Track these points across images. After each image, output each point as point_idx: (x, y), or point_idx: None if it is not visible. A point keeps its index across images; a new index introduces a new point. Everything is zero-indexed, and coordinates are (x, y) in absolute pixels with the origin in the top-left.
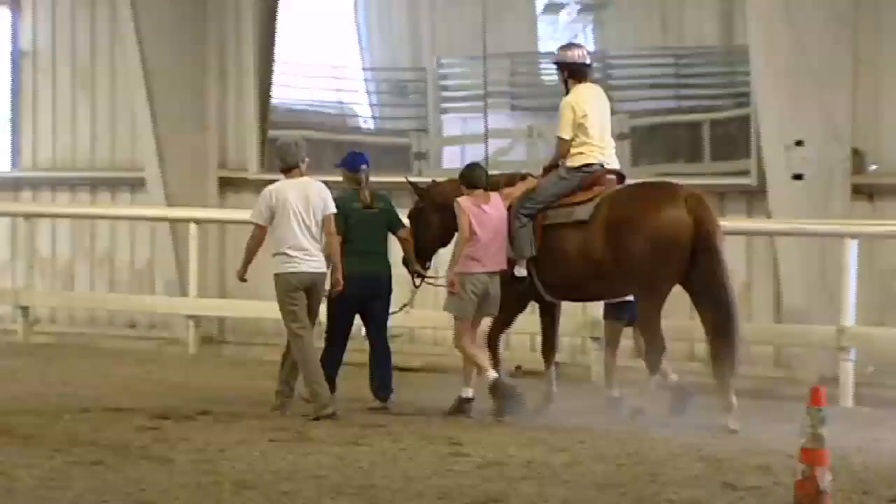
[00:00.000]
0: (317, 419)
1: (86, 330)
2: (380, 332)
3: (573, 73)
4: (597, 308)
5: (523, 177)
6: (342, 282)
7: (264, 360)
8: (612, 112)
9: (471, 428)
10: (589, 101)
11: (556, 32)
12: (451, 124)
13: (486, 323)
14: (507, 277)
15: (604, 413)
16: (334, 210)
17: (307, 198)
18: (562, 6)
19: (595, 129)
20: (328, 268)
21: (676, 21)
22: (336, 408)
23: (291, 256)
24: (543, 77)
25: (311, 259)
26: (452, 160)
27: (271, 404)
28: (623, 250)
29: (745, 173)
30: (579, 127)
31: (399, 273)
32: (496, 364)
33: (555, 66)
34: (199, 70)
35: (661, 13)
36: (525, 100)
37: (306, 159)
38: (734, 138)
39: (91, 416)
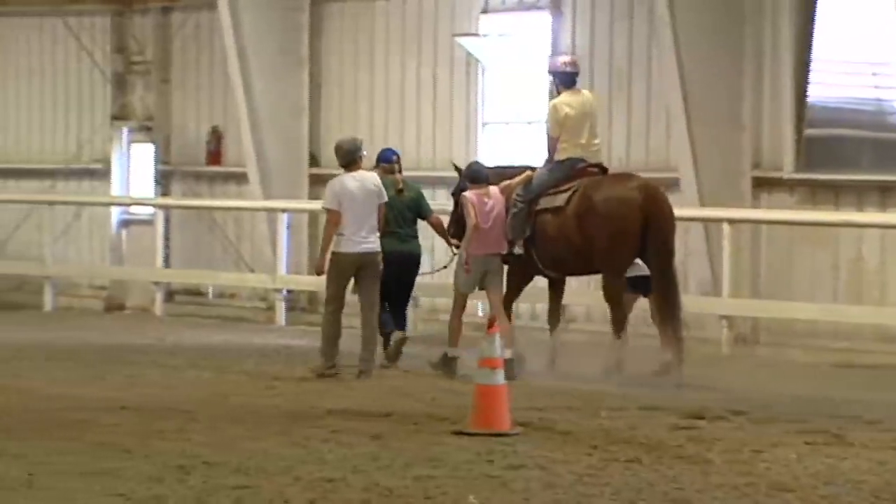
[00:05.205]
0: (321, 376)
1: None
2: (406, 299)
3: (560, 79)
4: None
5: (521, 171)
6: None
7: (799, 362)
8: None
9: None
10: (570, 104)
11: None
12: None
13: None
14: (512, 257)
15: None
16: (385, 199)
17: (364, 188)
18: None
19: (575, 128)
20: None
21: None
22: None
23: (347, 238)
24: None
25: (365, 241)
26: None
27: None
28: (588, 233)
29: None
30: (562, 126)
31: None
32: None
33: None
34: (735, 72)
35: None
36: None
37: (363, 154)
38: None
39: (626, 414)
